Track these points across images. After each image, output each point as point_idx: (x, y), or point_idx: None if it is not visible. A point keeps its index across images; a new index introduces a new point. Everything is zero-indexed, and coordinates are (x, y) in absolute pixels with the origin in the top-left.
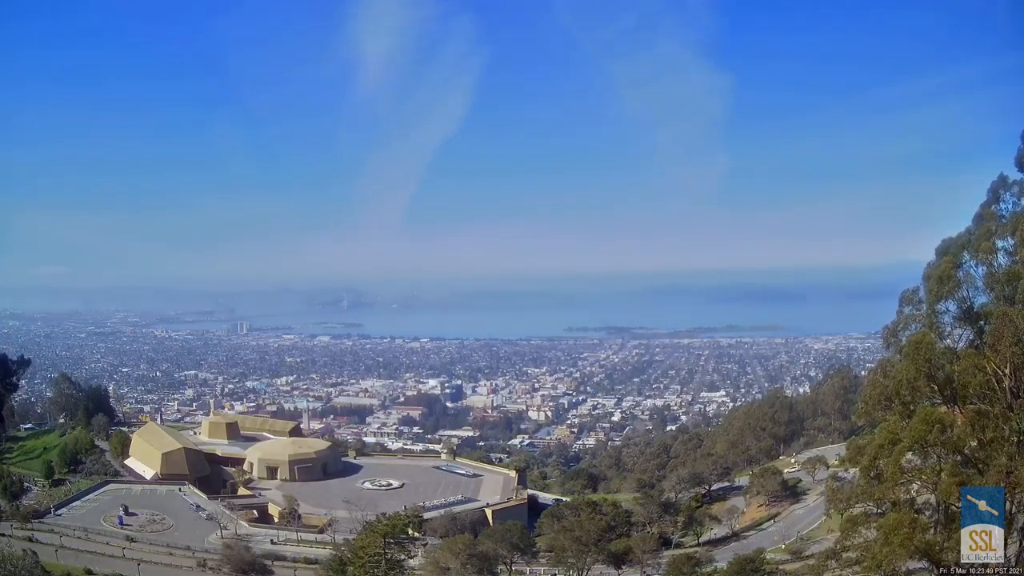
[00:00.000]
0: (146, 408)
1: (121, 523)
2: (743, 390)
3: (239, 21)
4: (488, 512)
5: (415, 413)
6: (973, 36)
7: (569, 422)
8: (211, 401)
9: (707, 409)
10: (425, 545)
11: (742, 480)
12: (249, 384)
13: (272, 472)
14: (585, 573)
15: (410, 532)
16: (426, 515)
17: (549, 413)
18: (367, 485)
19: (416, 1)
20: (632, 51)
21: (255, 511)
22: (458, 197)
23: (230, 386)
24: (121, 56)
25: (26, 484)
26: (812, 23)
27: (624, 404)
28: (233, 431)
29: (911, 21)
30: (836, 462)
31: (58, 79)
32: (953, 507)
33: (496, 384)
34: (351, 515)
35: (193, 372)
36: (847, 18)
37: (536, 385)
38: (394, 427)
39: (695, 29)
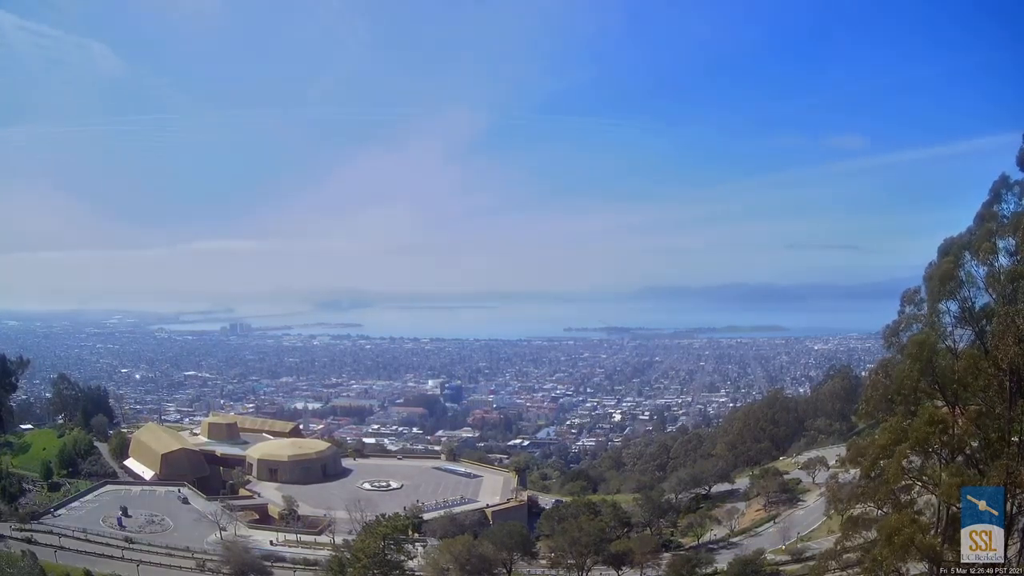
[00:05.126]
0: (145, 409)
1: (120, 524)
2: (743, 391)
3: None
4: (488, 513)
5: (415, 414)
6: (972, 33)
7: (569, 423)
8: (211, 402)
9: (707, 410)
10: (424, 546)
11: (742, 481)
12: (249, 385)
13: (272, 473)
14: (585, 574)
15: (409, 533)
16: (426, 516)
17: (549, 414)
18: (366, 486)
19: None
20: None
21: (255, 512)
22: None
23: (230, 387)
24: None
25: (24, 485)
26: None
27: (624, 405)
28: (232, 432)
29: (909, 15)
30: (836, 463)
31: None
32: (954, 508)
33: (496, 385)
34: (351, 516)
35: (192, 373)
36: (845, 11)
37: (536, 386)
38: (394, 428)
39: None
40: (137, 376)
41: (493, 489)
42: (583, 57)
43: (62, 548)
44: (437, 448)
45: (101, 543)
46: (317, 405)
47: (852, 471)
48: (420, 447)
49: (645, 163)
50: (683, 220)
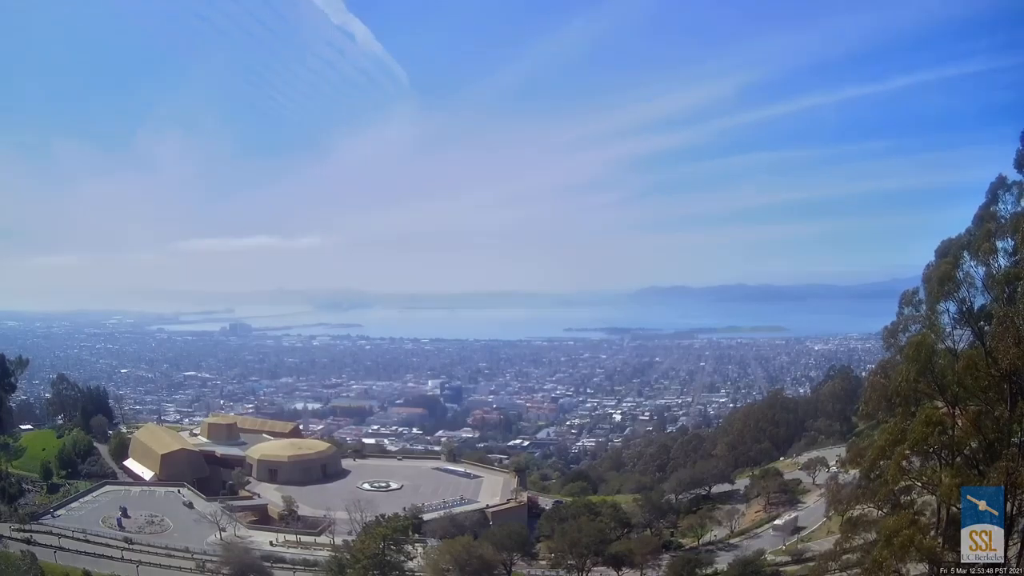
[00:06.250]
0: (145, 409)
1: (120, 525)
2: (743, 391)
3: None
4: (488, 514)
5: (415, 414)
6: (971, 35)
7: (569, 423)
8: (210, 402)
9: (707, 410)
10: (424, 547)
11: (742, 482)
12: (248, 385)
13: (272, 473)
14: (585, 575)
15: (409, 534)
16: (425, 517)
17: (549, 414)
18: (366, 486)
19: None
20: None
21: (254, 513)
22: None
23: (229, 387)
24: None
25: (24, 486)
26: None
27: (624, 405)
28: (232, 432)
29: (908, 18)
30: (836, 464)
31: None
32: (954, 508)
33: (496, 385)
34: (350, 517)
35: (192, 373)
36: (840, 14)
37: (536, 386)
38: (394, 428)
39: None
40: (137, 376)
41: (493, 490)
42: None
43: (61, 549)
44: (437, 449)
45: (100, 544)
46: (317, 405)
47: (852, 472)
48: (420, 448)
49: (644, 163)
50: (684, 219)
